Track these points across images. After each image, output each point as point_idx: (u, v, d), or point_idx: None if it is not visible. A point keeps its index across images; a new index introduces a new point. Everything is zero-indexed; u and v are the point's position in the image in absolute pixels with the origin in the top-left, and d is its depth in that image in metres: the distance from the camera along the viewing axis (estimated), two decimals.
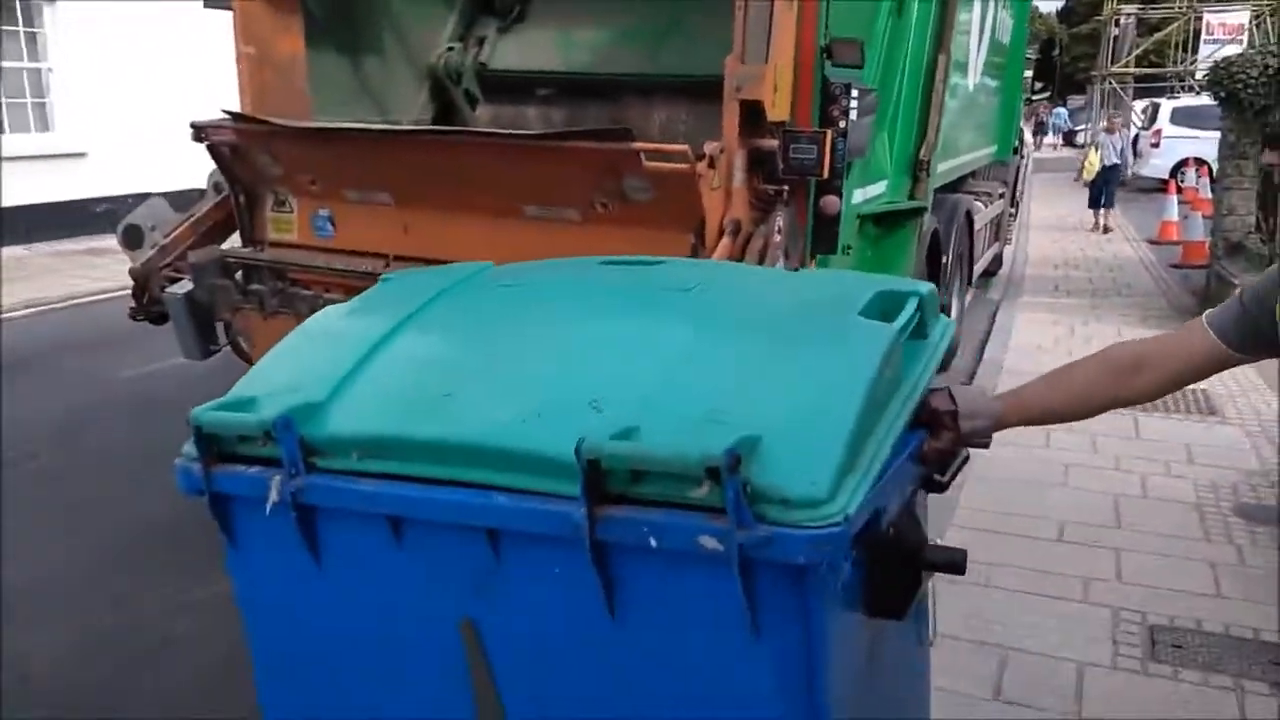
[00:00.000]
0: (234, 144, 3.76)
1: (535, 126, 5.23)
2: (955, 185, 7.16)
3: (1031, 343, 7.35)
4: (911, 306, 1.73)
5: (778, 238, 3.30)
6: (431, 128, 3.78)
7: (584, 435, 1.33)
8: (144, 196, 4.20)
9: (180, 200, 4.12)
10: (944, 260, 6.37)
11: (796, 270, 3.29)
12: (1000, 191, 9.10)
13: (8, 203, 11.33)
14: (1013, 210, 11.41)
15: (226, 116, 3.70)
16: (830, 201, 3.59)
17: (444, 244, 3.63)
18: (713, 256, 3.15)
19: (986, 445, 1.79)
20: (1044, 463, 4.67)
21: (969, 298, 8.88)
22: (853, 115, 3.63)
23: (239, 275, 3.59)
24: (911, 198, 5.20)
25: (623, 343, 1.69)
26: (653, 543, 1.32)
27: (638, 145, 3.05)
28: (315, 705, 1.75)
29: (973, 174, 8.15)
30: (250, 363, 3.68)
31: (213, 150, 3.80)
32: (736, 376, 1.53)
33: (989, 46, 7.28)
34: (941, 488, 1.74)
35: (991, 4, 7.08)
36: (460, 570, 1.51)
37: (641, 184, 3.15)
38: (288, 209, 3.94)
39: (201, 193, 4.08)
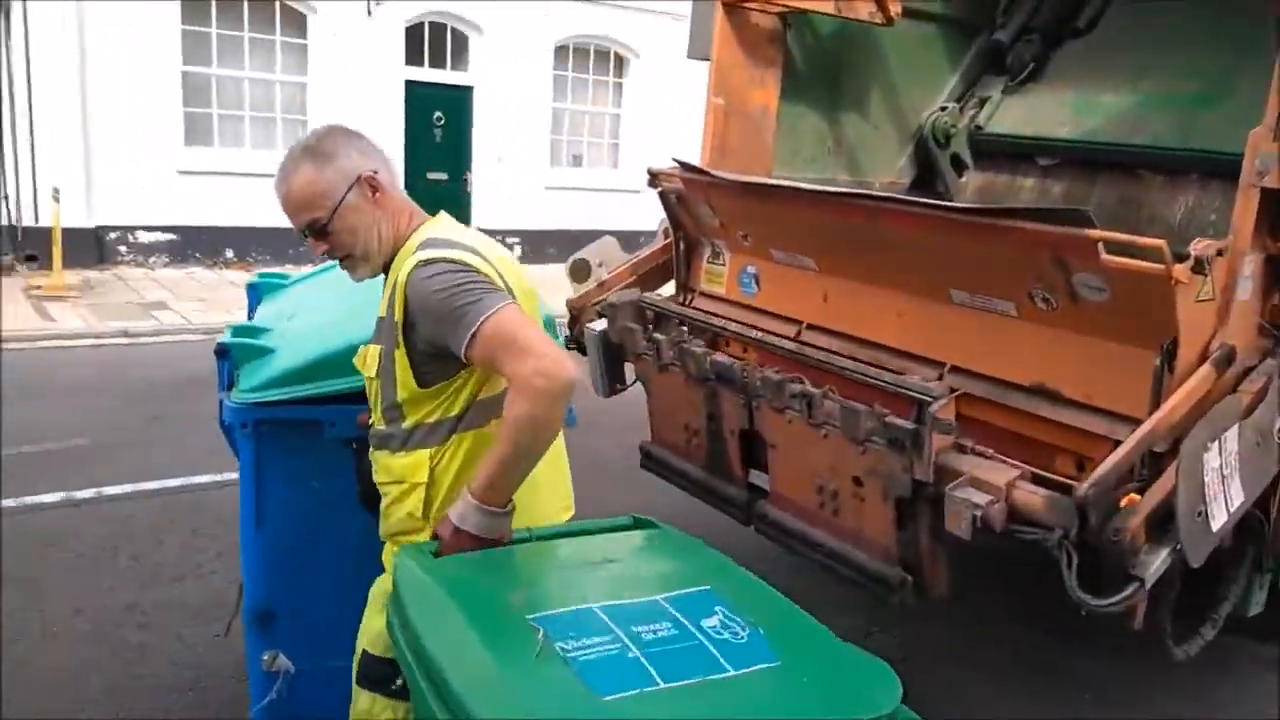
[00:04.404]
0: (680, 192, 3.75)
1: (1028, 200, 4.58)
2: None
3: None
4: None
5: None
6: (853, 191, 3.41)
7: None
8: None
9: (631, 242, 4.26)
10: None
11: None
12: None
13: (607, 226, 13.17)
14: None
15: (677, 165, 3.71)
16: None
17: (860, 319, 3.25)
18: (1183, 388, 2.36)
19: None
20: None
21: None
22: None
23: (651, 321, 3.56)
24: None
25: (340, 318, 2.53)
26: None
27: (1096, 233, 2.39)
28: None
29: None
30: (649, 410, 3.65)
31: (662, 196, 3.84)
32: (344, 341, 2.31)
33: None
34: None
35: None
36: None
37: (1097, 282, 2.47)
38: (720, 261, 3.84)
39: (651, 236, 4.17)
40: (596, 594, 1.54)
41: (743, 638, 1.47)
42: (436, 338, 1.84)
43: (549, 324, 2.66)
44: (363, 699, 2.02)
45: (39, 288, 9.31)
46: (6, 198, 10.18)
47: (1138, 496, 2.25)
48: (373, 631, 2.02)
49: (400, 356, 1.90)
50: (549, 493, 2.09)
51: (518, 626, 1.45)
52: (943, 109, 4.68)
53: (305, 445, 2.31)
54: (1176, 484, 2.16)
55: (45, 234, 9.73)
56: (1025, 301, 2.71)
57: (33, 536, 4.14)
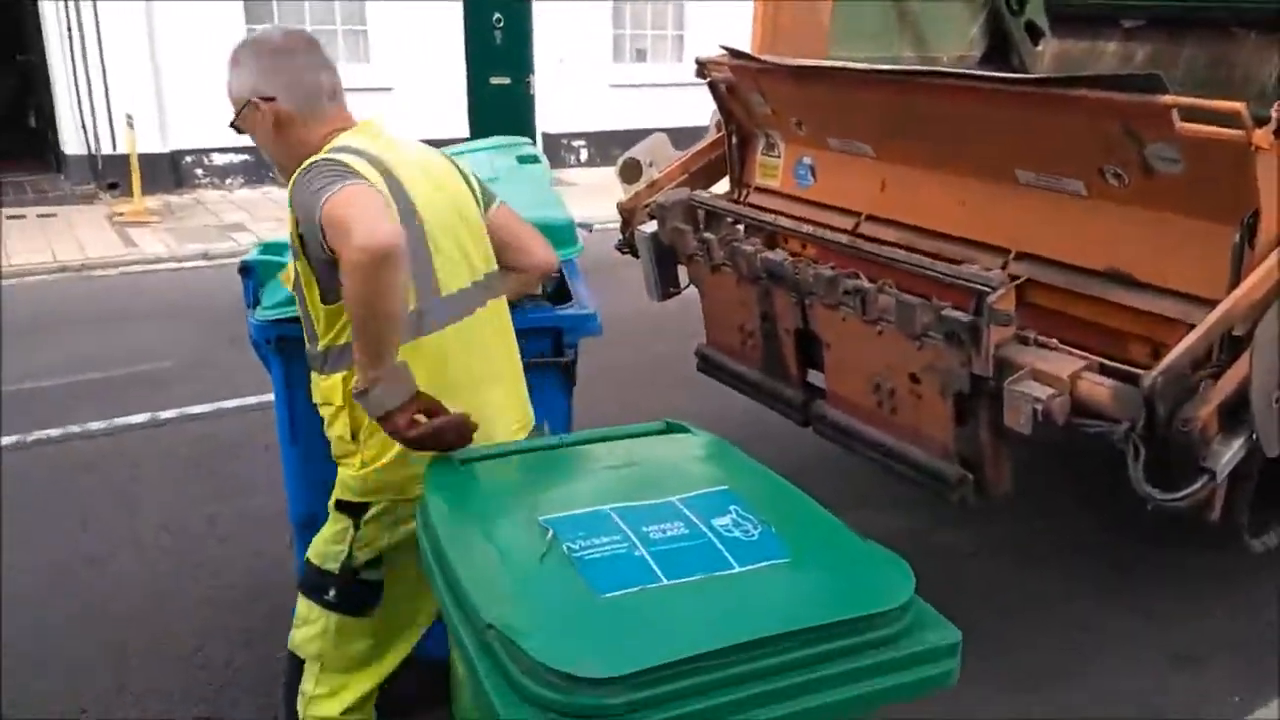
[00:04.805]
0: (729, 81, 3.59)
1: (1111, 67, 4.28)
2: None
3: None
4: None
5: None
6: (908, 69, 3.20)
7: None
8: None
9: (682, 139, 4.11)
10: None
11: None
12: None
13: (674, 123, 12.91)
14: None
15: (725, 52, 3.53)
16: None
17: (921, 207, 3.10)
18: (1264, 264, 2.18)
19: None
20: None
21: None
22: None
23: (702, 221, 3.45)
24: None
25: None
26: None
27: (1170, 99, 2.19)
28: None
29: None
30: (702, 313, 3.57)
31: (712, 87, 3.68)
32: None
33: None
34: None
35: None
36: None
37: (1171, 152, 2.28)
38: (775, 153, 3.69)
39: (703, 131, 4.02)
40: (613, 496, 1.52)
41: (754, 535, 1.43)
42: (323, 245, 1.75)
43: (564, 229, 2.55)
44: (302, 604, 2.09)
45: (121, 214, 9.57)
46: (85, 127, 10.41)
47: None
48: (318, 542, 2.06)
49: (304, 270, 1.86)
50: (500, 414, 2.03)
51: (530, 528, 1.44)
52: None
53: None
54: (1250, 368, 2.01)
55: (123, 161, 9.95)
56: (1096, 179, 2.53)
57: (121, 456, 4.34)
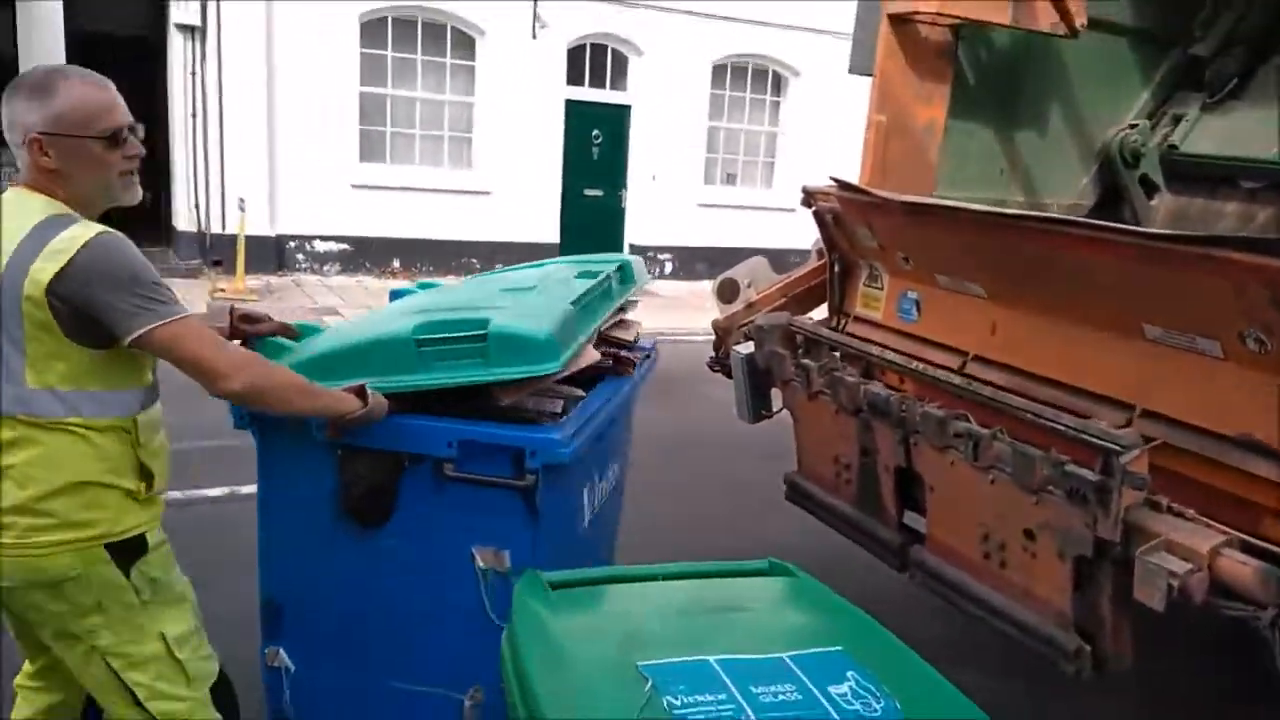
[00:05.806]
0: (836, 212, 3.57)
1: (1230, 227, 4.17)
2: None
3: None
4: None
5: None
6: (1033, 214, 3.14)
7: None
8: None
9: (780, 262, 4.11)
10: None
11: None
12: None
13: (759, 244, 13.10)
14: None
15: (834, 184, 3.53)
16: None
17: (1034, 353, 2.98)
18: None
19: None
20: None
21: None
22: None
23: (801, 346, 3.39)
24: None
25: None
26: None
27: None
28: None
29: None
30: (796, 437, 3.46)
31: (817, 216, 3.67)
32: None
33: None
34: None
35: None
36: None
37: None
38: (878, 285, 3.63)
39: (804, 256, 4.01)
40: (716, 645, 1.41)
41: (875, 710, 1.30)
42: None
43: (536, 345, 2.25)
44: None
45: (222, 290, 9.92)
46: (198, 207, 10.93)
47: None
48: None
49: None
50: None
51: (627, 674, 1.33)
52: (1132, 126, 4.31)
53: (297, 445, 2.28)
54: None
55: (231, 240, 10.39)
56: (1234, 342, 2.40)
57: (198, 528, 4.33)
